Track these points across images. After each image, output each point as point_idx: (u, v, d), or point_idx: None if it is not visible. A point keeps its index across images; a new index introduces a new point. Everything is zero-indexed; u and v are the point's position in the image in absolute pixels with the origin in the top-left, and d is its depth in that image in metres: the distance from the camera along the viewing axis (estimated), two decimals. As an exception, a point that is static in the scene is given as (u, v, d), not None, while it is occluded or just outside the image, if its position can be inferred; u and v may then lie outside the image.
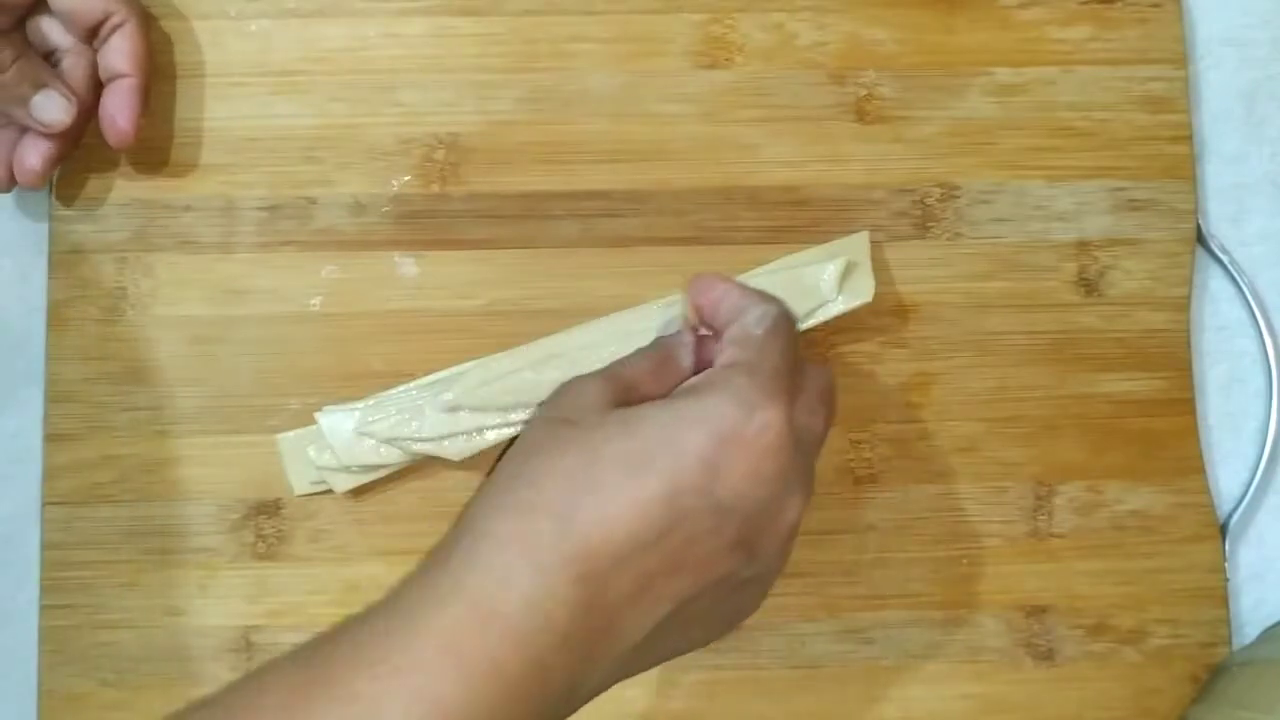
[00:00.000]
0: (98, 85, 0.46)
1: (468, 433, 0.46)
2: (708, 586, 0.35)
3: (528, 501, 0.34)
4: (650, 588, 0.34)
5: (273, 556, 0.47)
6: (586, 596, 0.33)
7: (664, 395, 0.38)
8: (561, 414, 0.37)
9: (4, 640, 0.47)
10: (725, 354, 0.38)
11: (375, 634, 0.32)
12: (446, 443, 0.45)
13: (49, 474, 0.47)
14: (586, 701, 0.35)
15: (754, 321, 0.39)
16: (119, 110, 0.46)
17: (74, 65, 0.46)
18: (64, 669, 0.46)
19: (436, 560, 0.34)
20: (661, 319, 0.46)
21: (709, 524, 0.34)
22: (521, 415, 0.45)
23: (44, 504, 0.47)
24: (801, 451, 0.36)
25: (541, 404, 0.38)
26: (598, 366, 0.45)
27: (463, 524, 0.34)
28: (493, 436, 0.46)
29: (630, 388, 0.38)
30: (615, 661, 0.34)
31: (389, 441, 0.45)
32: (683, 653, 0.37)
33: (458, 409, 0.45)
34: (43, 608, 0.47)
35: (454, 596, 0.33)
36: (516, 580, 0.32)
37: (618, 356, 0.45)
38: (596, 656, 0.34)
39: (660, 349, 0.40)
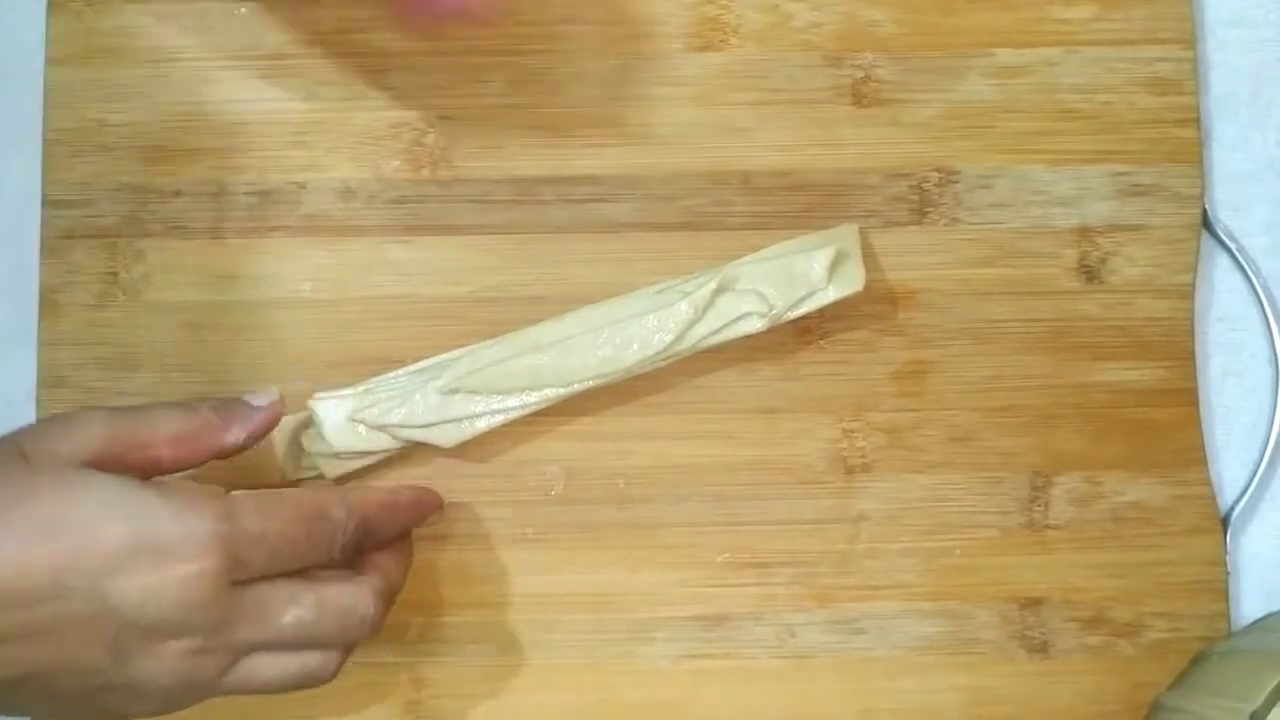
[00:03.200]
0: None
1: (458, 420, 0.45)
2: (68, 671, 0.35)
3: None
4: (7, 642, 0.34)
5: (263, 542, 0.47)
6: None
7: (173, 461, 0.38)
8: (23, 447, 0.36)
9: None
10: (234, 496, 0.37)
11: None
12: (436, 430, 0.45)
13: (42, 459, 0.47)
14: None
15: (295, 496, 0.39)
16: None
17: None
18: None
19: None
20: (652, 305, 0.46)
21: (87, 613, 0.34)
22: (513, 402, 0.45)
23: (37, 488, 0.47)
24: (241, 610, 0.36)
25: (39, 423, 0.38)
26: (589, 354, 0.45)
27: None
28: (483, 424, 0.45)
29: (138, 446, 0.37)
30: None
31: (379, 428, 0.45)
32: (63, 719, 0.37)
33: (449, 395, 0.45)
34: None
35: None
36: None
37: (610, 344, 0.45)
38: None
39: (200, 416, 0.39)
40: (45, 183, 0.48)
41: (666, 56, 0.49)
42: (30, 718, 0.39)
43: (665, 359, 0.45)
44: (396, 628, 0.47)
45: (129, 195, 0.48)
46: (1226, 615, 0.47)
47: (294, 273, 0.48)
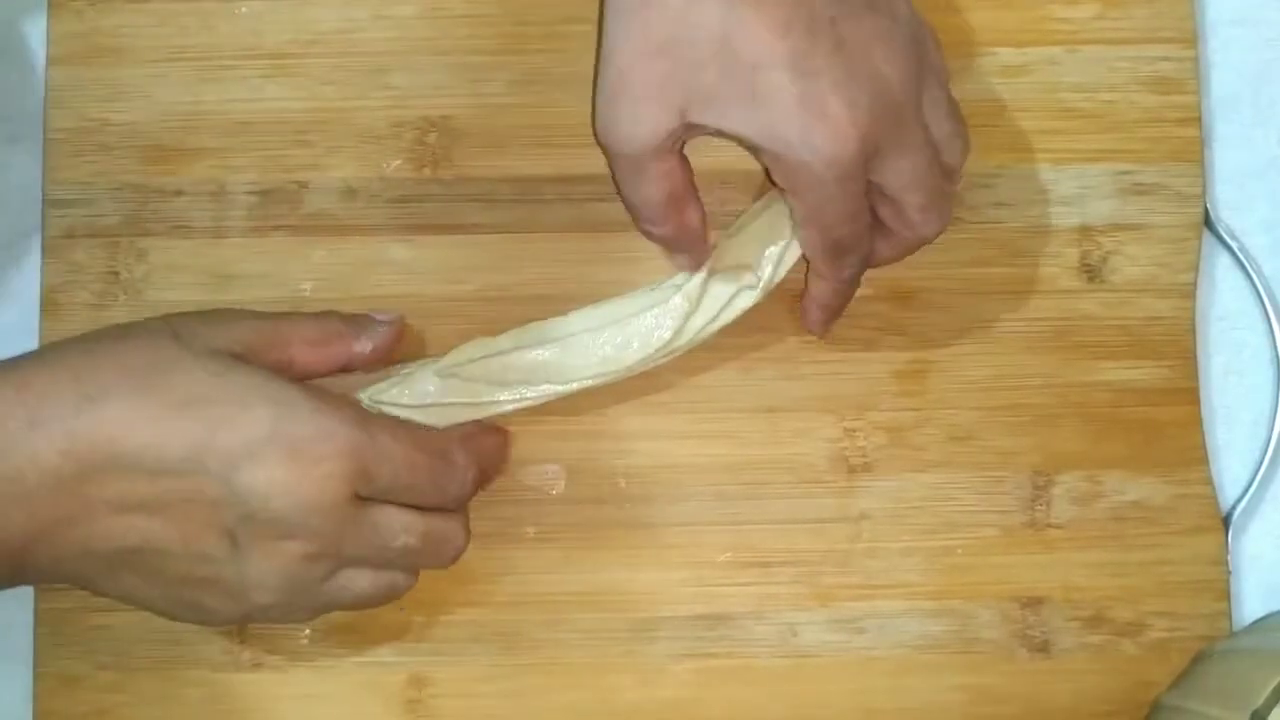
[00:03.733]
0: None
1: (456, 404, 0.45)
2: (182, 551, 0.35)
3: (75, 365, 0.34)
4: (130, 511, 0.34)
5: (265, 541, 0.47)
6: (65, 475, 0.33)
7: (315, 368, 0.39)
8: (177, 329, 0.37)
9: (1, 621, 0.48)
10: (373, 417, 0.38)
11: None
12: (431, 411, 0.45)
13: (44, 458, 0.47)
14: (34, 581, 0.37)
15: (441, 436, 0.40)
16: (812, 315, 0.46)
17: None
18: (60, 651, 0.47)
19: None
20: (648, 301, 0.45)
21: (214, 494, 0.34)
22: (508, 395, 0.45)
23: (39, 488, 0.47)
24: (357, 527, 0.37)
25: (184, 316, 0.38)
26: (590, 353, 0.44)
27: (41, 353, 0.36)
28: (476, 414, 0.45)
29: (278, 344, 0.38)
30: (74, 559, 0.35)
31: (375, 403, 0.44)
32: (139, 605, 0.38)
33: (446, 380, 0.45)
34: (39, 590, 0.47)
35: None
36: (10, 425, 0.33)
37: (611, 343, 0.45)
38: (55, 537, 0.34)
39: (332, 324, 0.40)
40: (46, 182, 0.48)
41: (668, 55, 0.49)
42: (127, 601, 0.39)
43: (666, 355, 0.45)
44: (396, 627, 0.47)
45: (130, 195, 0.48)
46: (1228, 614, 0.47)
47: (295, 272, 0.48)
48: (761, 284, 0.45)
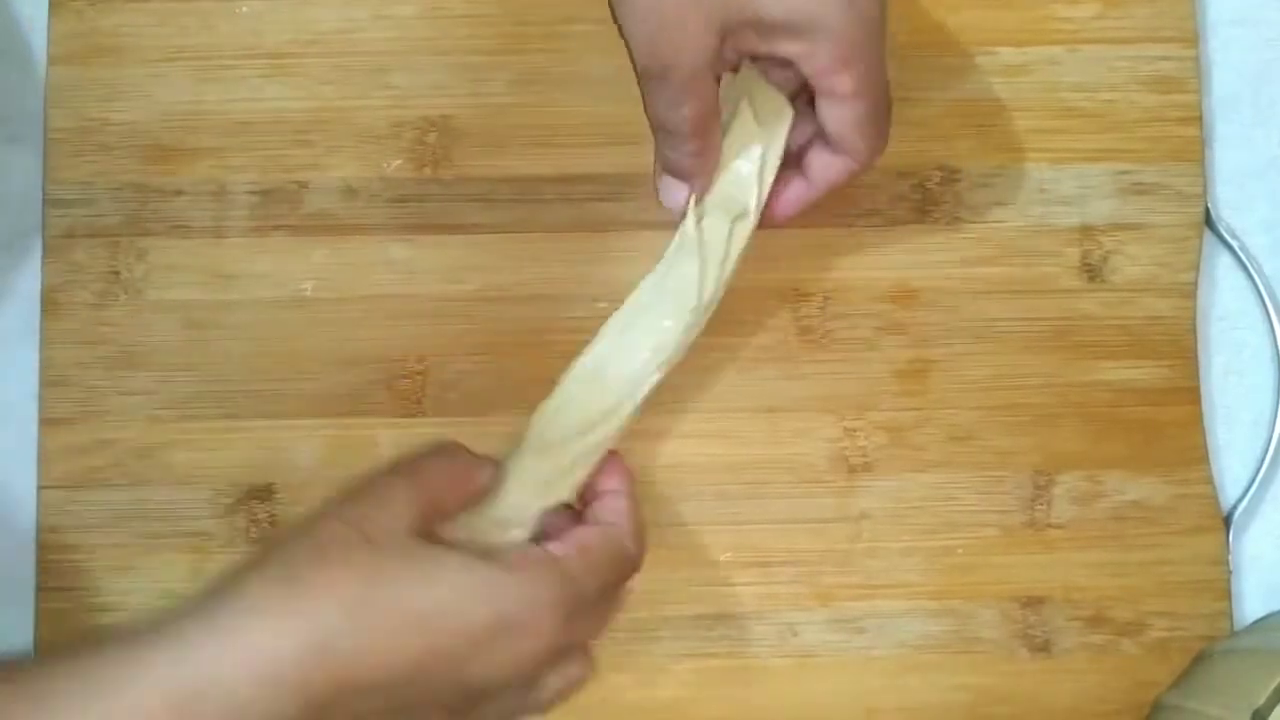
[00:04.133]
0: None
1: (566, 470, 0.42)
2: None
3: (293, 611, 0.33)
4: None
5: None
6: (305, 716, 0.32)
7: (458, 507, 0.38)
8: (362, 525, 0.35)
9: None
10: (561, 545, 0.38)
11: (77, 682, 0.31)
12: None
13: (45, 458, 0.47)
14: None
15: (611, 546, 0.39)
16: (785, 201, 0.44)
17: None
18: (61, 651, 0.47)
19: (177, 620, 0.32)
20: (663, 272, 0.43)
21: (446, 692, 0.35)
22: (600, 432, 0.41)
23: (40, 488, 0.47)
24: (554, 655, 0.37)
25: (338, 498, 0.36)
26: (639, 351, 0.42)
27: (222, 595, 0.33)
28: (598, 451, 0.42)
29: (432, 497, 0.37)
30: None
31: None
32: None
33: (542, 458, 0.41)
34: (39, 590, 0.47)
35: (176, 671, 0.31)
36: (243, 690, 0.31)
37: (654, 329, 0.42)
38: None
39: (464, 461, 0.39)
40: (47, 182, 0.48)
41: (668, 55, 0.49)
42: None
43: (705, 312, 0.43)
44: (398, 627, 0.47)
45: (131, 194, 0.48)
46: (1228, 614, 0.47)
47: (296, 272, 0.48)
48: (754, 206, 0.43)
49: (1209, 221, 0.49)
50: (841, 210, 0.48)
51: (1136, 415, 0.48)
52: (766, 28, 0.39)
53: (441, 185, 0.48)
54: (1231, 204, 0.50)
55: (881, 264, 0.48)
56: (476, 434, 0.47)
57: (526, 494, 0.40)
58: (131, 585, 0.47)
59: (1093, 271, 0.48)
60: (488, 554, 0.37)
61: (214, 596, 0.33)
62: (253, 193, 0.48)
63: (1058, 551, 0.47)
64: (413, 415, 0.48)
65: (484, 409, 0.47)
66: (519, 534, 0.40)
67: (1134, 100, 0.49)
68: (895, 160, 0.48)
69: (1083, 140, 0.49)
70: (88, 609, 0.47)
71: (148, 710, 0.30)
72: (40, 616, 0.47)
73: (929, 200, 0.48)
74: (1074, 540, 0.48)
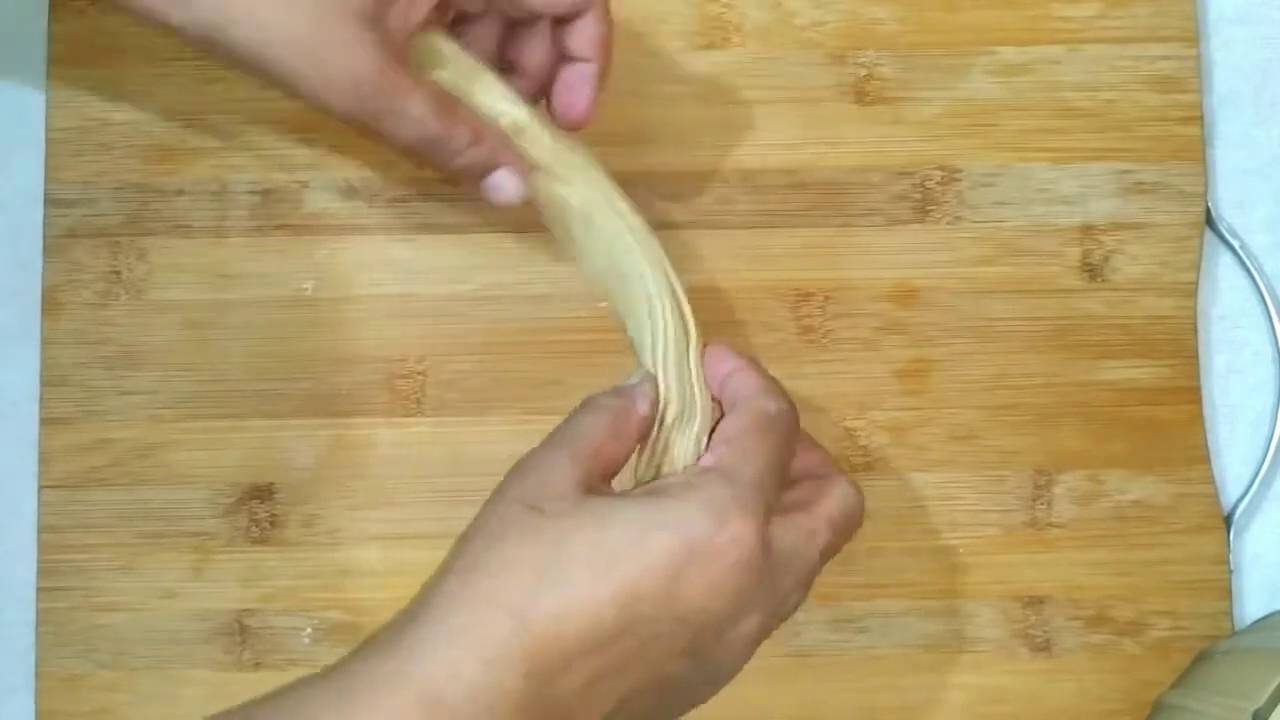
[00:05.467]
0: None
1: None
2: (654, 686, 0.35)
3: (486, 593, 0.34)
4: (597, 685, 0.34)
5: (266, 541, 0.47)
6: (533, 691, 0.33)
7: (625, 454, 0.38)
8: (527, 499, 0.36)
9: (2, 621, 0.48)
10: (711, 452, 0.38)
11: (312, 714, 0.32)
12: None
13: (45, 458, 0.47)
14: None
15: (750, 421, 0.38)
16: (578, 95, 0.42)
17: (535, 47, 0.42)
18: (61, 650, 0.47)
19: (385, 643, 0.34)
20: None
21: (663, 630, 0.34)
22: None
23: (40, 487, 0.47)
24: (777, 568, 0.36)
25: (503, 482, 0.37)
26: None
27: (417, 607, 0.34)
28: None
29: (594, 454, 0.37)
30: None
31: None
32: None
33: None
34: (40, 590, 0.47)
35: (400, 683, 0.32)
36: (466, 673, 0.32)
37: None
38: None
39: (616, 403, 0.39)
40: (48, 181, 0.48)
41: (669, 55, 0.49)
42: None
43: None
44: (399, 626, 0.47)
45: (131, 194, 0.48)
46: (1230, 614, 0.47)
47: (296, 271, 0.48)
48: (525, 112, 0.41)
49: (1210, 221, 0.49)
50: (841, 210, 0.48)
51: (1137, 415, 0.48)
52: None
53: (442, 185, 0.48)
54: (1232, 203, 0.50)
55: (882, 264, 0.48)
56: (476, 434, 0.48)
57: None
58: (131, 585, 0.47)
59: (1094, 271, 0.48)
60: (667, 488, 0.37)
61: (421, 605, 0.34)
62: (253, 192, 0.48)
63: (1059, 551, 0.47)
64: (412, 415, 0.48)
65: (484, 409, 0.47)
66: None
67: (1135, 99, 0.49)
68: (895, 160, 0.48)
69: (1083, 139, 0.49)
70: (88, 609, 0.47)
71: (408, 713, 0.32)
72: (40, 616, 0.47)
73: (929, 200, 0.48)
74: (1075, 540, 0.47)
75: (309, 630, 0.47)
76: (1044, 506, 0.48)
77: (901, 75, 0.49)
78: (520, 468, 0.37)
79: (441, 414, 0.48)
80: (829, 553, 0.39)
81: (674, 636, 0.35)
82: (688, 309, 0.41)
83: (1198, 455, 0.48)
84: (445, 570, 0.35)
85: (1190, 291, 0.48)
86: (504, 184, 0.41)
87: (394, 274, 0.48)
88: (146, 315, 0.48)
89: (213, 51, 0.38)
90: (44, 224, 0.48)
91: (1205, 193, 0.49)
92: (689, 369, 0.40)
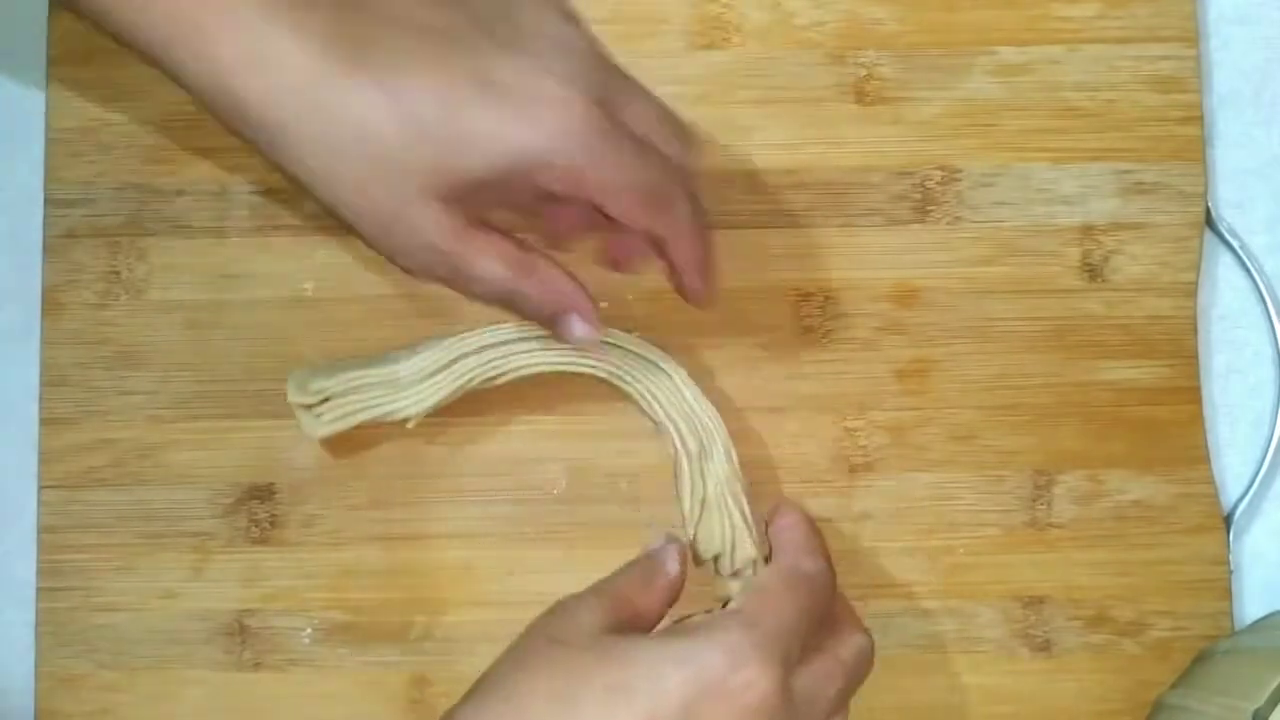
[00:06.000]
0: None
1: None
2: None
3: (507, 713, 0.35)
4: None
5: (266, 541, 0.47)
6: None
7: (656, 608, 0.39)
8: (553, 633, 0.37)
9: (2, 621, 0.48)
10: (737, 599, 0.39)
11: None
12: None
13: (45, 458, 0.47)
14: None
15: (779, 572, 0.39)
16: (693, 293, 0.42)
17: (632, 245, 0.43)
18: (61, 651, 0.47)
19: None
20: None
21: None
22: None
23: (40, 488, 0.47)
24: (796, 713, 0.37)
25: (535, 621, 0.39)
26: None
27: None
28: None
29: (622, 603, 0.39)
30: None
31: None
32: None
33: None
34: (40, 590, 0.47)
35: None
36: None
37: None
38: None
39: (647, 559, 0.41)
40: (48, 182, 0.48)
41: (669, 55, 0.49)
42: None
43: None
44: (399, 627, 0.47)
45: (131, 194, 0.48)
46: (1230, 614, 0.47)
47: (296, 272, 0.48)
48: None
49: (1210, 221, 0.49)
50: (841, 210, 0.48)
51: (1137, 415, 0.48)
52: (488, 179, 0.36)
53: (442, 185, 0.48)
54: (1232, 203, 0.50)
55: (882, 264, 0.48)
56: (476, 434, 0.48)
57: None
58: (131, 585, 0.47)
59: (1094, 271, 0.48)
60: (687, 627, 0.38)
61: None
62: (254, 193, 0.48)
63: (1058, 551, 0.47)
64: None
65: (483, 409, 0.47)
66: None
67: (1135, 99, 0.49)
68: (895, 160, 0.48)
69: (1083, 139, 0.49)
70: (88, 609, 0.47)
71: None
72: (40, 616, 0.47)
73: (929, 200, 0.48)
74: (1075, 540, 0.47)
75: (309, 630, 0.47)
76: (1044, 506, 0.48)
77: (901, 75, 0.49)
78: (552, 607, 0.39)
79: (441, 413, 0.47)
80: (843, 696, 0.40)
81: None
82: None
83: (1198, 455, 0.48)
84: (466, 697, 0.37)
85: (1190, 291, 0.48)
86: (575, 328, 0.41)
87: (394, 274, 0.48)
88: (146, 315, 0.48)
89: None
90: (44, 224, 0.48)
91: (1205, 193, 0.49)
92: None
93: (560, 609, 0.39)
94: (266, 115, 0.35)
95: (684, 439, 0.44)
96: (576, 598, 0.39)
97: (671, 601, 0.41)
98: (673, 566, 0.41)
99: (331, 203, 0.37)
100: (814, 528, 0.42)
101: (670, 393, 0.44)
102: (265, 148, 0.36)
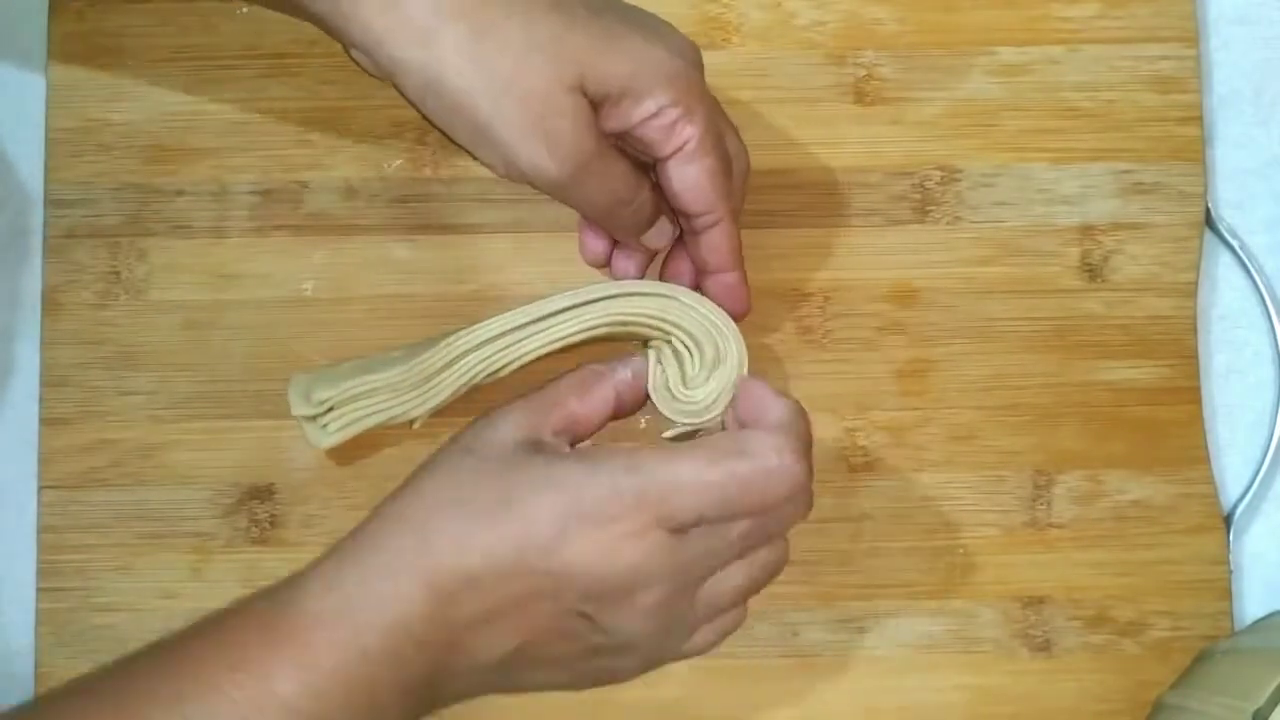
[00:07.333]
0: None
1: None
2: (554, 638, 0.37)
3: (395, 513, 0.38)
4: (494, 619, 0.36)
5: (265, 541, 0.47)
6: (435, 607, 0.36)
7: (592, 415, 0.41)
8: (467, 442, 0.39)
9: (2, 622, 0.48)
10: (652, 446, 0.39)
11: (241, 627, 0.37)
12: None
13: (45, 458, 0.47)
14: (455, 701, 0.39)
15: (717, 453, 0.38)
16: (734, 304, 0.44)
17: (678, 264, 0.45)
18: (61, 651, 0.47)
19: (331, 557, 0.38)
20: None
21: (547, 585, 0.36)
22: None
23: (40, 488, 0.47)
24: (679, 553, 0.37)
25: (461, 430, 0.40)
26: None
27: (360, 524, 0.38)
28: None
29: (553, 407, 0.40)
30: (473, 674, 0.37)
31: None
32: (555, 688, 0.41)
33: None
34: (40, 590, 0.47)
35: (331, 592, 0.36)
36: (376, 583, 0.36)
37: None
38: (451, 666, 0.37)
39: (591, 367, 0.42)
40: (48, 182, 0.48)
41: (668, 55, 0.49)
42: (544, 689, 0.41)
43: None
44: (399, 627, 0.47)
45: (131, 195, 0.48)
46: (1230, 614, 0.47)
47: (296, 272, 0.48)
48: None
49: (1209, 221, 0.49)
50: (841, 210, 0.48)
51: (1137, 415, 0.48)
52: (616, 98, 0.39)
53: (442, 185, 0.48)
54: (1232, 203, 0.50)
55: (881, 264, 0.48)
56: (477, 434, 0.48)
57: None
58: (131, 585, 0.47)
59: (1093, 271, 0.48)
60: (583, 453, 0.39)
61: (350, 540, 0.38)
62: (253, 193, 0.48)
63: (1058, 551, 0.47)
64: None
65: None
66: None
67: (1134, 99, 0.49)
68: (895, 159, 0.49)
69: (1083, 140, 0.49)
70: (88, 609, 0.47)
71: (318, 617, 0.36)
72: (40, 616, 0.47)
73: (929, 200, 0.48)
74: (1075, 540, 0.47)
75: (309, 630, 0.47)
76: (1044, 507, 0.48)
77: (901, 75, 0.49)
78: (478, 417, 0.40)
79: (441, 413, 0.47)
80: (741, 594, 0.40)
81: (559, 594, 0.36)
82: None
83: (1197, 455, 0.48)
84: (389, 496, 0.39)
85: (1190, 291, 0.48)
86: (664, 232, 0.44)
87: (394, 274, 0.48)
88: (146, 315, 0.48)
89: (422, 102, 0.40)
90: (44, 224, 0.48)
91: (1205, 193, 0.49)
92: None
93: (484, 419, 0.40)
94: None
95: (699, 346, 0.43)
96: (503, 408, 0.40)
97: (612, 413, 0.41)
98: (623, 374, 0.41)
99: (478, 92, 0.38)
100: (801, 440, 0.39)
101: (680, 312, 0.43)
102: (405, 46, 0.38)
